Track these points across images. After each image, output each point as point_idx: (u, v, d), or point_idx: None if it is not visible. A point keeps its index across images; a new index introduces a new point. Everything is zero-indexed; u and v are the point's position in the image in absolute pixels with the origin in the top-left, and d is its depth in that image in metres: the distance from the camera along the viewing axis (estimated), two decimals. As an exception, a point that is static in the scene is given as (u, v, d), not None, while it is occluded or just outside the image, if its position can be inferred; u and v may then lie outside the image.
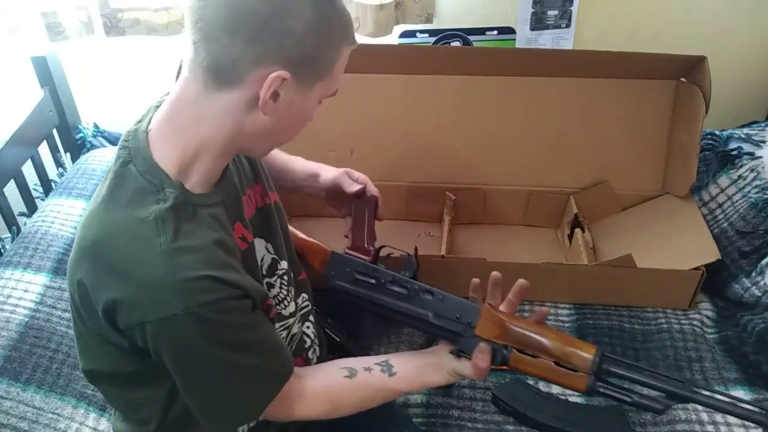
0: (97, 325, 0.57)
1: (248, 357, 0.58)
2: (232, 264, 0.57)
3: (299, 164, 0.86)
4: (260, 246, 0.70)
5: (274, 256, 0.73)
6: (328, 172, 0.84)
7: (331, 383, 0.67)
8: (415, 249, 0.83)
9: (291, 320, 0.74)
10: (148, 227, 0.53)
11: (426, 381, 0.70)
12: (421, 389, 0.72)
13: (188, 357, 0.55)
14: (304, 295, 0.80)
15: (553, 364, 0.65)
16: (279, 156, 0.85)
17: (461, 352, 0.68)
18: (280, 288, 0.73)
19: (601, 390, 0.64)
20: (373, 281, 0.74)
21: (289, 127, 0.60)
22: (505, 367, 0.68)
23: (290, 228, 0.82)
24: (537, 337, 0.65)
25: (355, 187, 0.81)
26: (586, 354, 0.63)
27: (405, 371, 0.69)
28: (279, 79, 0.53)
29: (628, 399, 0.63)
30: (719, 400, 0.61)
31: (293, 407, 0.64)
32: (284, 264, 0.74)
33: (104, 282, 0.54)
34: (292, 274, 0.76)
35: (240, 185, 0.67)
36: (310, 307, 0.81)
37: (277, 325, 0.71)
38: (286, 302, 0.74)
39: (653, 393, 0.63)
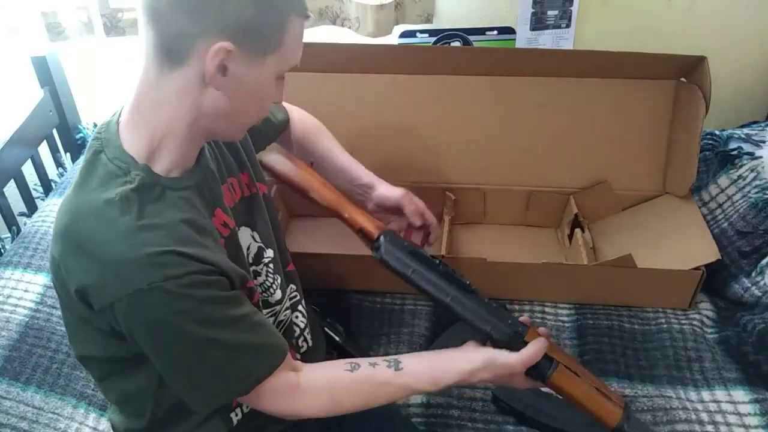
0: (78, 309, 0.58)
1: (226, 332, 0.56)
2: (202, 242, 0.57)
3: (358, 170, 0.87)
4: (246, 234, 0.71)
5: (260, 244, 0.73)
6: (387, 189, 0.85)
7: (331, 377, 0.65)
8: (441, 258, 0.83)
9: (278, 307, 0.75)
10: (114, 207, 0.54)
11: (437, 378, 0.66)
12: (430, 389, 0.67)
13: (160, 333, 0.55)
14: (293, 286, 0.80)
15: (594, 389, 0.66)
16: (343, 157, 0.88)
17: (506, 346, 0.67)
18: (266, 276, 0.73)
19: (631, 426, 0.66)
20: (425, 260, 0.73)
21: (248, 105, 0.59)
22: (540, 385, 0.68)
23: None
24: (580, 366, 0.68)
25: (417, 221, 0.84)
26: (619, 396, 0.68)
27: (413, 367, 0.66)
28: (223, 50, 0.53)
29: None
30: None
31: (289, 400, 0.62)
32: (270, 252, 0.74)
33: (74, 266, 0.55)
34: (280, 264, 0.76)
35: (219, 173, 0.67)
36: (299, 297, 0.81)
37: (264, 312, 0.71)
38: (272, 289, 0.74)
39: None
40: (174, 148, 0.58)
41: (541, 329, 0.70)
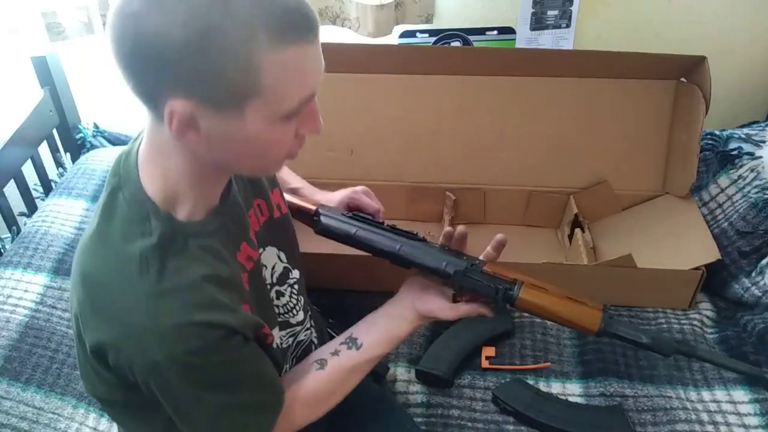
0: (92, 360, 0.57)
1: (240, 393, 0.57)
2: (222, 301, 0.54)
3: (288, 177, 0.84)
4: (272, 254, 0.69)
5: (287, 264, 0.71)
6: (325, 195, 0.81)
7: (310, 386, 0.66)
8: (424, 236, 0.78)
9: (298, 328, 0.74)
10: (133, 266, 0.51)
11: (394, 336, 0.69)
12: (393, 346, 0.69)
13: (178, 400, 0.55)
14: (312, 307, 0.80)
15: (566, 297, 0.63)
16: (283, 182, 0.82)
17: (461, 287, 0.66)
18: (290, 296, 0.72)
19: (613, 330, 0.62)
20: (368, 220, 0.72)
21: (249, 154, 0.53)
22: (506, 307, 0.65)
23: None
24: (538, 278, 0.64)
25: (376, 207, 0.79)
26: (589, 299, 0.64)
27: (370, 338, 0.68)
28: (176, 112, 0.47)
29: (640, 340, 0.62)
30: (719, 356, 0.64)
31: (287, 424, 0.64)
32: (296, 273, 0.73)
33: (91, 322, 0.53)
34: (304, 285, 0.75)
35: (246, 197, 0.65)
36: (311, 312, 0.80)
37: (284, 332, 0.71)
38: (295, 311, 0.73)
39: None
40: (192, 192, 0.55)
41: (498, 236, 0.68)
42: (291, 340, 0.73)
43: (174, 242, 0.53)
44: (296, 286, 0.73)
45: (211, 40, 0.44)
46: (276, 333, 0.66)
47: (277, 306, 0.71)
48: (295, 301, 0.73)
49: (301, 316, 0.74)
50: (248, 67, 0.46)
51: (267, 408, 0.60)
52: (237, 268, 0.59)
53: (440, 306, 0.67)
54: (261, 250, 0.67)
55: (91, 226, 0.56)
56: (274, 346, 0.64)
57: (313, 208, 0.76)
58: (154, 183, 0.54)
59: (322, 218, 0.73)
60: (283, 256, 0.71)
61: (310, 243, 1.04)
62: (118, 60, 0.48)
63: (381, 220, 0.71)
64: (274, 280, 0.70)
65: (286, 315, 0.72)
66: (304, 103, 0.51)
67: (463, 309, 0.67)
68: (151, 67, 0.46)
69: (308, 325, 0.76)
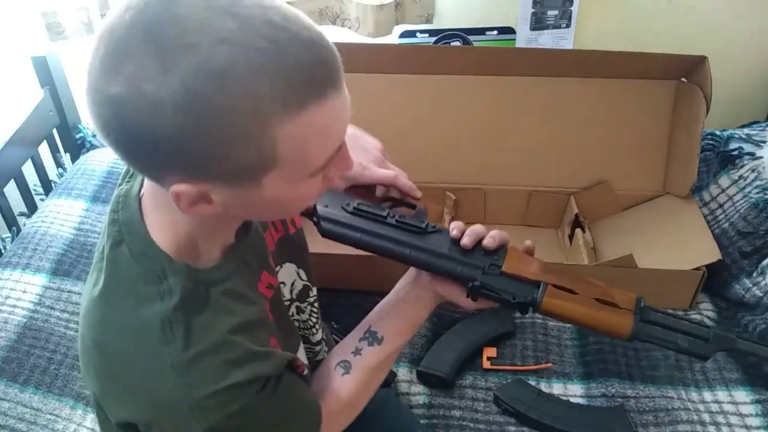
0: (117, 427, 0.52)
1: (280, 428, 0.53)
2: (253, 350, 0.49)
3: None
4: (291, 270, 0.65)
5: (307, 282, 0.68)
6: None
7: (338, 393, 0.62)
8: (425, 207, 0.70)
9: (317, 348, 0.71)
10: (155, 333, 0.46)
11: (415, 322, 0.65)
12: (414, 333, 0.66)
13: None
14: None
15: (593, 299, 0.57)
16: None
17: (480, 292, 0.60)
18: (310, 315, 0.69)
19: (647, 333, 0.57)
20: (371, 216, 0.64)
21: (270, 211, 0.50)
22: (528, 312, 0.59)
23: None
24: (568, 271, 0.59)
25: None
26: (628, 292, 0.58)
27: (390, 330, 0.64)
28: (185, 192, 0.42)
29: (675, 342, 0.57)
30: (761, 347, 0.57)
31: None
32: (315, 291, 0.70)
33: (114, 397, 0.49)
34: (319, 303, 0.72)
35: (263, 223, 0.61)
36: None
37: (305, 349, 0.68)
38: (314, 329, 0.70)
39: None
40: (207, 237, 0.50)
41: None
42: (310, 356, 0.70)
43: (196, 297, 0.48)
44: (316, 305, 0.70)
45: (212, 121, 0.38)
46: (301, 352, 0.64)
47: (298, 321, 0.68)
48: (315, 320, 0.70)
49: (320, 335, 0.71)
50: (261, 144, 0.40)
51: (311, 429, 0.56)
52: (260, 302, 0.55)
53: (459, 292, 0.62)
54: (278, 267, 0.63)
55: (96, 284, 0.50)
56: (305, 373, 0.59)
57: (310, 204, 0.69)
58: (164, 233, 0.48)
59: (323, 223, 0.66)
60: (303, 274, 0.67)
61: (311, 243, 1.03)
62: (104, 141, 0.41)
63: (385, 212, 0.64)
64: (294, 296, 0.66)
65: (306, 332, 0.69)
66: (331, 157, 0.45)
67: (486, 303, 0.62)
68: (146, 155, 0.41)
69: (326, 349, 0.73)
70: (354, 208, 0.64)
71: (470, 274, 0.60)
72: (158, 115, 0.38)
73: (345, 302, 1.06)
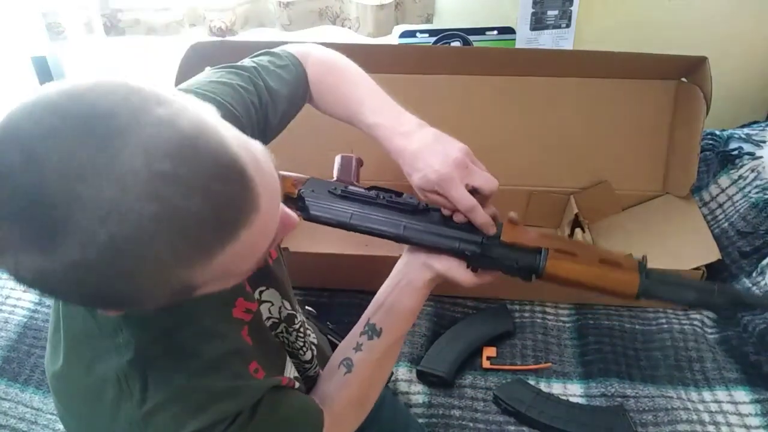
0: None
1: None
2: (217, 390, 0.47)
3: (366, 106, 0.66)
4: (275, 296, 0.63)
5: (291, 312, 0.66)
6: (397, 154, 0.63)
7: (344, 393, 0.62)
8: (412, 191, 0.66)
9: (308, 365, 0.70)
10: (112, 389, 0.45)
11: (413, 308, 0.63)
12: (415, 318, 0.64)
13: None
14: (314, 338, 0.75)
15: (598, 261, 0.56)
16: (357, 92, 0.67)
17: (481, 261, 0.58)
18: (296, 338, 0.68)
19: (654, 288, 0.56)
20: (368, 196, 0.62)
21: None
22: (531, 279, 0.58)
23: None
24: (566, 238, 0.59)
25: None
26: (628, 255, 0.57)
27: (389, 320, 0.62)
28: (114, 313, 0.43)
29: (684, 298, 0.55)
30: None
31: None
32: (301, 317, 0.68)
33: None
34: (308, 325, 0.71)
35: None
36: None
37: (294, 366, 0.67)
38: (303, 351, 0.69)
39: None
40: None
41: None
42: (302, 371, 0.69)
43: (153, 347, 0.46)
44: (302, 330, 0.69)
45: (109, 288, 0.34)
46: (288, 366, 0.62)
47: (287, 340, 0.67)
48: (302, 343, 0.69)
49: (309, 355, 0.70)
50: (173, 289, 0.36)
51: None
52: (235, 329, 0.53)
53: (458, 266, 0.59)
54: (262, 288, 0.61)
55: (55, 332, 0.49)
56: (297, 386, 0.58)
57: (295, 191, 0.65)
58: None
59: (311, 208, 0.63)
60: (287, 304, 0.66)
61: (310, 243, 1.03)
62: None
63: (374, 194, 0.62)
64: (282, 317, 0.65)
65: (296, 352, 0.69)
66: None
67: (487, 278, 0.60)
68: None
69: (316, 363, 0.72)
70: (342, 191, 0.63)
71: (469, 247, 0.59)
72: (54, 289, 0.35)
73: (345, 302, 1.06)
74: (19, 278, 0.35)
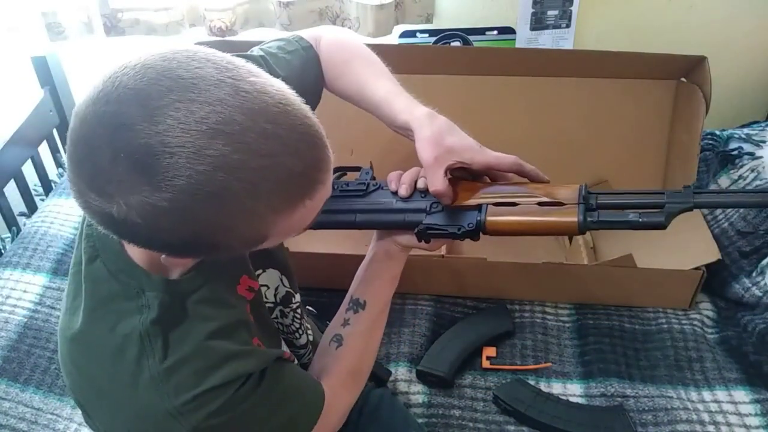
0: None
1: (277, 416, 0.54)
2: (232, 350, 0.51)
3: (394, 107, 0.69)
4: (274, 276, 0.67)
5: (289, 289, 0.69)
6: (423, 150, 0.64)
7: (336, 366, 0.64)
8: (371, 163, 0.71)
9: (302, 351, 0.72)
10: (134, 347, 0.48)
11: (391, 275, 0.66)
12: (395, 286, 0.67)
13: None
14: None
15: (536, 205, 0.57)
16: (378, 90, 0.69)
17: (426, 234, 0.60)
18: (293, 320, 0.70)
19: (595, 220, 0.56)
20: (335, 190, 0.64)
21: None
22: (479, 237, 0.58)
23: None
24: (511, 184, 0.60)
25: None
26: (568, 186, 0.58)
27: (371, 291, 0.66)
28: (175, 261, 0.49)
29: (627, 220, 0.56)
30: (723, 195, 0.55)
31: (335, 412, 0.61)
32: (297, 297, 0.71)
33: (99, 411, 0.51)
34: (304, 309, 0.73)
35: None
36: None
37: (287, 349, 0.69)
38: (298, 334, 0.71)
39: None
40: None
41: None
42: (295, 361, 0.70)
43: (173, 309, 0.50)
44: (299, 311, 0.71)
45: (207, 232, 0.41)
46: (284, 350, 0.64)
47: (281, 325, 0.69)
48: (298, 325, 0.71)
49: (304, 339, 0.72)
50: (251, 238, 0.44)
51: (309, 409, 0.57)
52: (240, 304, 0.57)
53: (415, 239, 0.63)
54: (260, 271, 0.64)
55: (75, 298, 0.52)
56: (295, 362, 0.61)
57: None
58: (138, 248, 0.49)
59: None
60: (285, 281, 0.69)
61: (310, 243, 1.03)
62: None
63: (341, 184, 0.64)
64: (278, 300, 0.67)
65: (290, 336, 0.70)
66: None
67: (439, 241, 0.63)
68: (141, 244, 0.44)
69: (310, 349, 0.74)
70: None
71: (415, 219, 0.61)
72: (151, 226, 0.40)
73: (340, 302, 1.06)
74: (127, 221, 0.39)
